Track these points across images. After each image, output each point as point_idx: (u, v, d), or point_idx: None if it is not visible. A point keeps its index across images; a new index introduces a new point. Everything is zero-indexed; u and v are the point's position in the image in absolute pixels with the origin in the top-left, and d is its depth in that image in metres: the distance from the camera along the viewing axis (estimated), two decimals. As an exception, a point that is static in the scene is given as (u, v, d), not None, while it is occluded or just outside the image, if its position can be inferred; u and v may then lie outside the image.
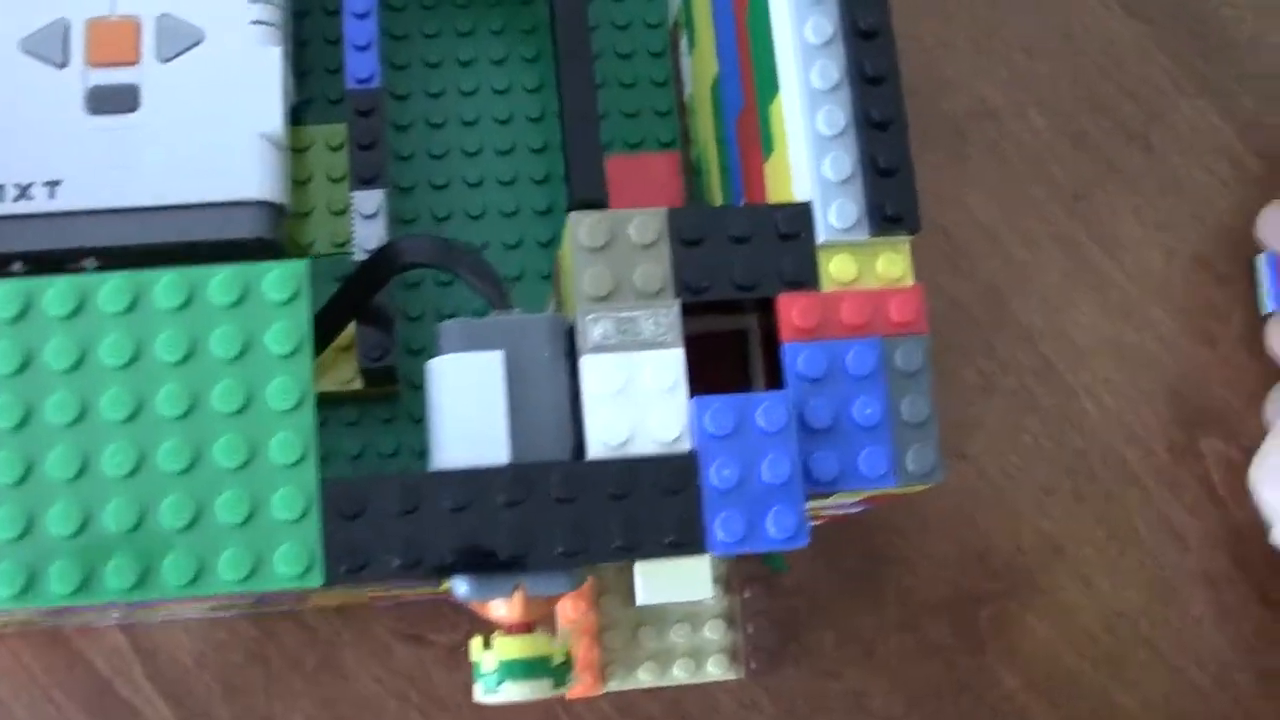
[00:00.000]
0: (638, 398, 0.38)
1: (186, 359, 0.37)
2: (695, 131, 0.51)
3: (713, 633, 0.47)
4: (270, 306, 0.37)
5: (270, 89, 0.46)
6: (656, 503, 0.37)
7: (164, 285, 0.37)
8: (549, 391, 0.38)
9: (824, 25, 0.41)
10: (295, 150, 0.49)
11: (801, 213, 0.39)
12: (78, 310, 0.37)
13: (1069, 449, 0.52)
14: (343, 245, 0.48)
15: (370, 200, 0.47)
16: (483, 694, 0.39)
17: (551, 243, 0.50)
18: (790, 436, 0.38)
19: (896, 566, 0.50)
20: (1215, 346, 0.53)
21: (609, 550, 0.37)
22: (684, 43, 0.51)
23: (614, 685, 0.46)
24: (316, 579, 0.36)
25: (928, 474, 0.39)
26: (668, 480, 0.37)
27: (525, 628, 0.39)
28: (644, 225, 0.39)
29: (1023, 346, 0.52)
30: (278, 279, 0.37)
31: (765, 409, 0.38)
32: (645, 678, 0.46)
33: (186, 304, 0.37)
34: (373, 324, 0.46)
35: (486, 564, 0.37)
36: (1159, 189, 0.54)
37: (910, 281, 0.40)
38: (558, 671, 0.39)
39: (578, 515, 0.37)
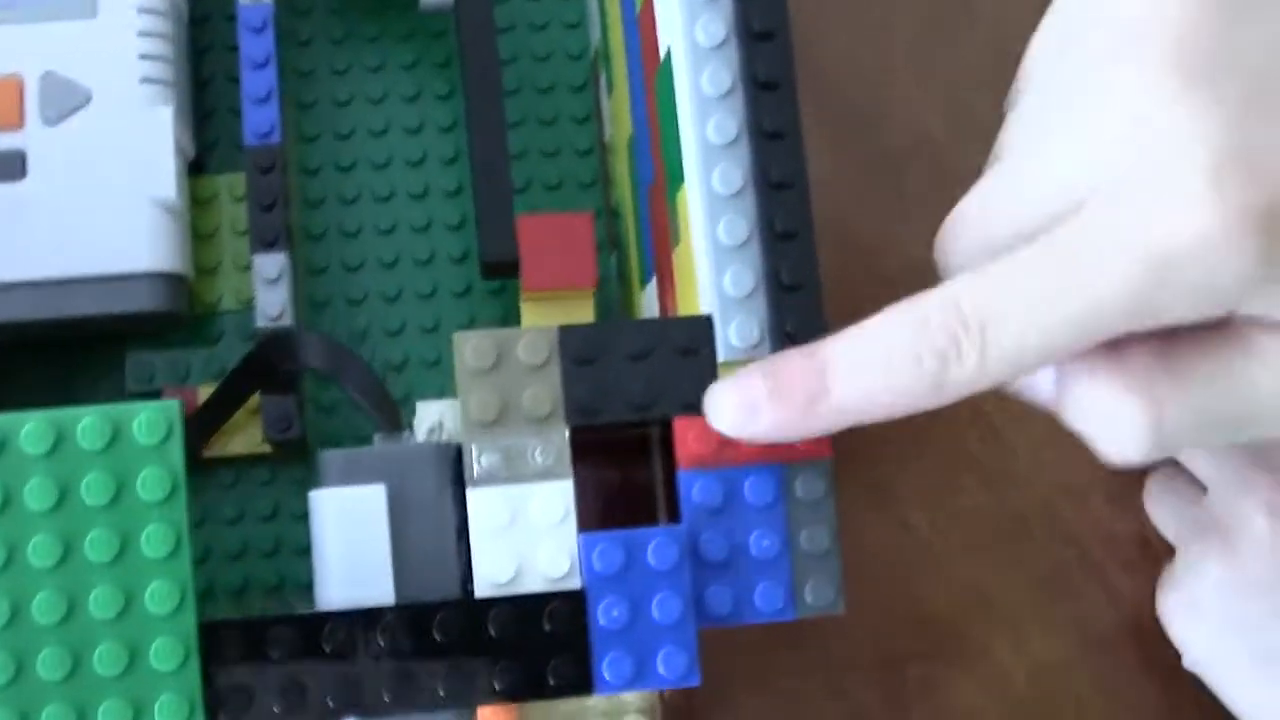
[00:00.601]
0: (525, 532, 0.37)
1: (57, 507, 0.35)
2: (614, 172, 0.49)
3: (631, 695, 0.46)
4: (141, 451, 0.36)
5: (162, 153, 0.44)
6: (542, 644, 0.36)
7: (30, 431, 0.35)
8: (435, 525, 0.37)
9: (727, 125, 0.39)
10: (198, 201, 0.47)
11: (700, 328, 0.38)
12: (-57, 457, 0.36)
13: (1005, 506, 0.51)
14: (250, 302, 0.46)
15: (272, 264, 0.45)
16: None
17: (468, 291, 0.48)
18: (682, 575, 0.37)
19: (824, 627, 0.49)
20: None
21: (492, 693, 0.36)
22: (604, 79, 0.49)
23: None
24: (197, 728, 0.36)
25: (827, 606, 0.38)
26: (554, 620, 0.36)
27: (416, 758, 0.39)
28: (533, 345, 0.37)
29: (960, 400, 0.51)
30: (147, 422, 0.36)
31: (656, 546, 0.37)
32: (561, 726, 0.46)
33: (54, 449, 0.36)
34: (279, 392, 0.45)
35: (370, 708, 0.36)
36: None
37: (814, 402, 0.38)
38: (447, 807, 0.38)
39: (462, 657, 0.36)
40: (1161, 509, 0.49)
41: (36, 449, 0.35)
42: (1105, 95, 0.35)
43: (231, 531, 0.47)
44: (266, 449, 0.46)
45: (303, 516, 0.47)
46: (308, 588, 0.47)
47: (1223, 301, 0.34)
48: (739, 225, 0.38)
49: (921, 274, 0.50)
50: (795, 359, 0.36)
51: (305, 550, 0.47)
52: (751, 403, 0.36)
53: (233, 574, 0.47)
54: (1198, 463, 0.47)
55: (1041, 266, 0.34)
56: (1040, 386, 0.39)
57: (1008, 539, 0.51)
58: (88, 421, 0.36)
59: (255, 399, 0.46)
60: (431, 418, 0.43)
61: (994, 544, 0.51)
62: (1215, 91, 0.33)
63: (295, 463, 0.47)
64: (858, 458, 0.50)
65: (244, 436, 0.46)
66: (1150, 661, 0.50)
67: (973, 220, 0.38)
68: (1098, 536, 0.51)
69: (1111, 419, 0.36)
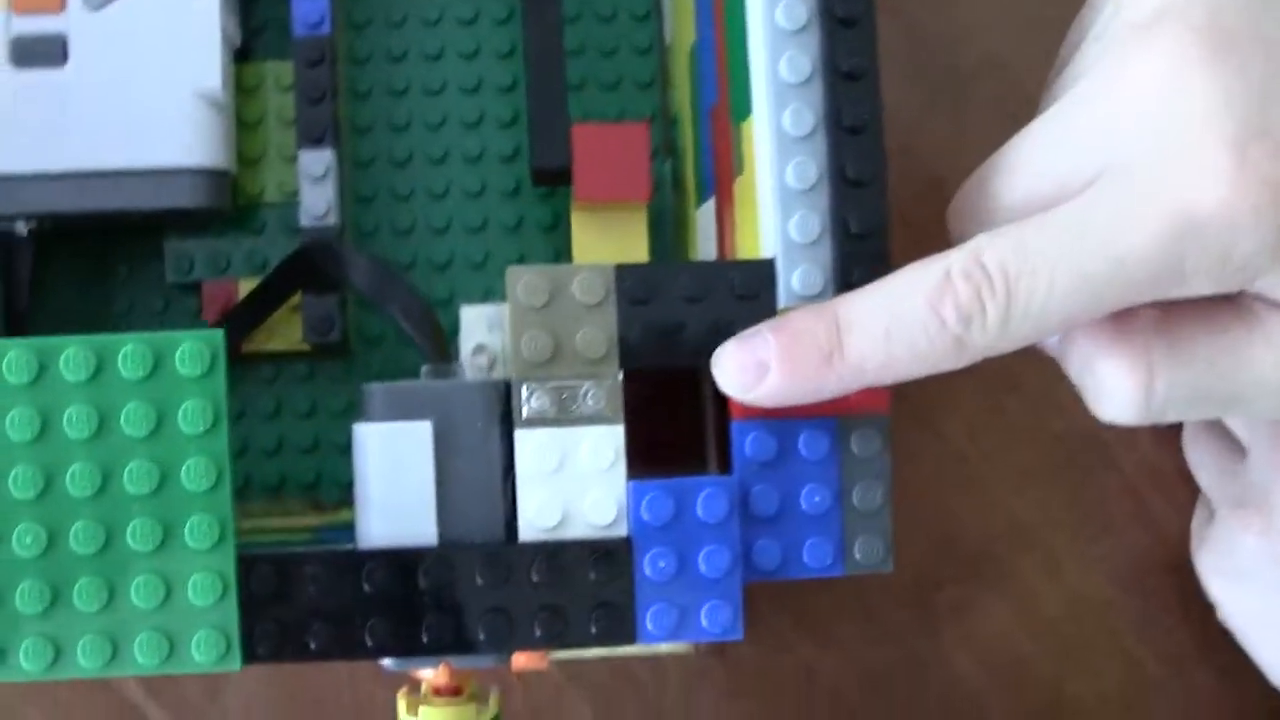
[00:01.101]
0: (573, 477, 0.36)
1: (95, 436, 0.35)
2: (674, 75, 0.47)
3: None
4: (183, 382, 0.35)
5: (207, 42, 0.43)
6: (586, 592, 0.36)
7: (69, 356, 0.35)
8: (481, 464, 0.36)
9: (801, 63, 0.37)
10: (243, 89, 0.45)
11: (761, 273, 0.37)
12: (-19, 379, 0.35)
13: (1049, 431, 0.50)
14: (294, 195, 0.45)
15: (319, 161, 0.44)
16: (406, 756, 0.38)
17: (517, 191, 0.47)
18: (731, 529, 0.36)
19: (858, 545, 0.49)
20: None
21: (532, 639, 0.36)
22: (665, -21, 0.47)
23: (562, 654, 0.46)
24: (234, 663, 0.35)
25: (876, 564, 0.37)
26: (599, 569, 0.36)
27: (453, 691, 0.38)
28: (588, 283, 0.36)
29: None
30: (190, 352, 0.35)
31: (706, 498, 0.36)
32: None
33: (94, 376, 0.35)
34: (321, 293, 0.44)
35: (408, 649, 0.36)
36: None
37: (874, 355, 0.37)
38: (484, 738, 0.38)
39: (503, 602, 0.36)
40: (1197, 453, 0.48)
41: (76, 375, 0.35)
42: (1135, 69, 0.34)
43: (269, 427, 0.46)
44: (306, 347, 0.45)
45: (341, 413, 0.46)
46: (345, 487, 0.46)
47: (1240, 274, 0.33)
48: (808, 168, 0.37)
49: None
50: (808, 316, 0.35)
51: (343, 448, 0.46)
52: (759, 361, 0.35)
53: (269, 470, 0.46)
54: (1237, 422, 0.46)
55: (1067, 226, 0.34)
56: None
57: (1050, 465, 0.50)
58: (129, 349, 0.35)
59: (297, 295, 0.45)
60: (477, 328, 0.42)
61: (1035, 470, 0.50)
62: (1242, 68, 0.33)
63: (335, 360, 0.46)
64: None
65: (284, 333, 0.45)
66: (1187, 600, 0.49)
67: (993, 184, 0.37)
68: (1142, 468, 0.50)
69: (1105, 382, 0.36)
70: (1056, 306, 0.34)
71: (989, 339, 0.34)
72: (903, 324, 0.34)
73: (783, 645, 0.49)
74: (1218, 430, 0.47)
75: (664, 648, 0.46)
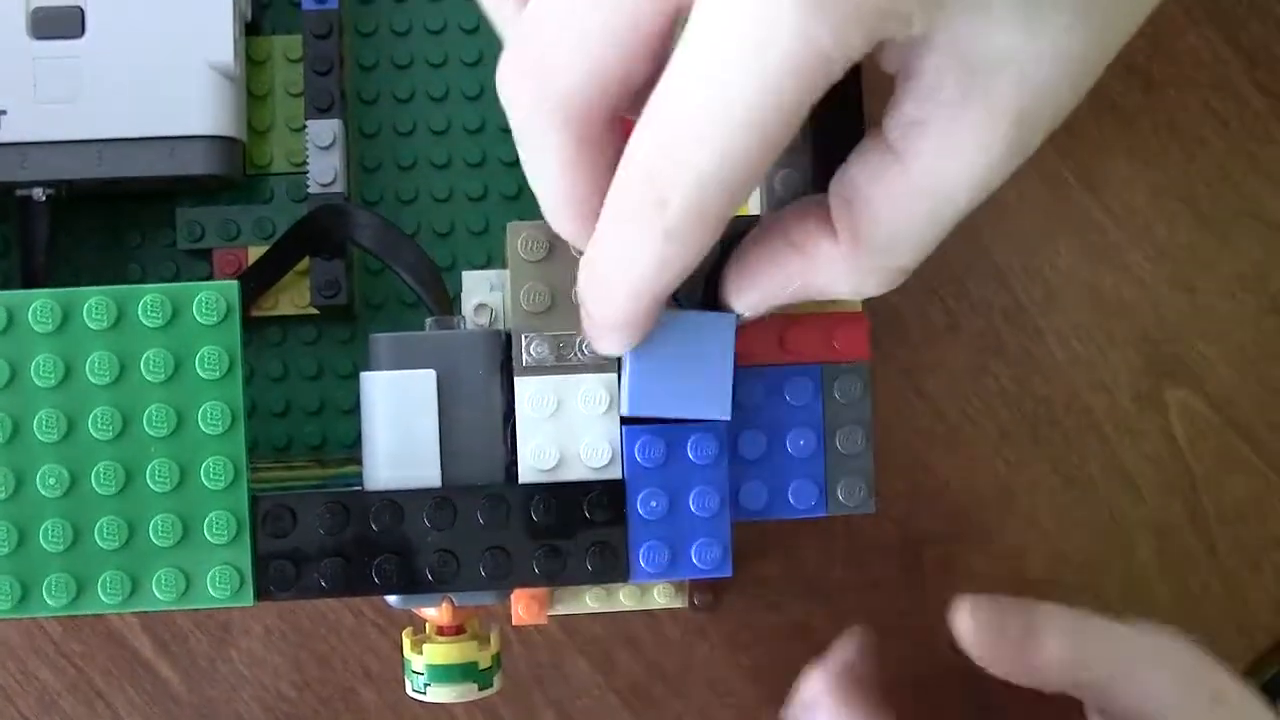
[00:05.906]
0: (570, 422, 0.38)
1: (116, 381, 0.36)
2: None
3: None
4: (200, 329, 0.37)
5: (220, 16, 0.45)
6: (582, 530, 0.38)
7: (91, 305, 0.36)
8: (482, 410, 0.38)
9: None
10: (252, 62, 0.47)
11: (749, 224, 0.38)
12: (7, 328, 0.36)
13: (1031, 393, 0.51)
14: (301, 165, 0.47)
15: (326, 131, 0.46)
16: (410, 690, 0.40)
17: (517, 162, 0.48)
18: (720, 470, 0.38)
19: (848, 504, 0.50)
20: (1194, 294, 0.51)
21: (532, 576, 0.38)
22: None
23: (559, 610, 0.47)
24: (247, 598, 0.37)
25: (858, 505, 0.39)
26: (595, 508, 0.38)
27: (456, 630, 0.40)
28: (586, 238, 0.38)
29: (994, 286, 0.51)
30: (207, 301, 0.37)
31: (696, 441, 0.38)
32: (591, 603, 0.47)
33: (115, 324, 0.36)
34: (328, 258, 0.46)
35: (412, 585, 0.38)
36: (1153, 126, 0.51)
37: (858, 307, 0.39)
38: (484, 675, 0.40)
39: (503, 540, 0.38)
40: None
41: (98, 324, 0.36)
42: None
43: (276, 389, 0.48)
44: (313, 310, 0.47)
45: (347, 377, 0.48)
46: (349, 447, 0.48)
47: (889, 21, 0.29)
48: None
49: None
50: None
51: (348, 411, 0.48)
52: None
53: (277, 431, 0.48)
54: None
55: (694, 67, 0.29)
56: None
57: (1030, 426, 0.52)
58: (149, 298, 0.36)
59: (305, 260, 0.46)
60: (478, 290, 0.43)
61: (1016, 431, 0.52)
62: None
63: (341, 323, 0.48)
64: (889, 338, 0.50)
65: (292, 296, 0.47)
66: (1167, 561, 0.51)
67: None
68: (1123, 429, 0.52)
69: None
70: (713, 166, 0.30)
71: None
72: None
73: (773, 602, 0.51)
74: None
75: (659, 600, 0.47)
